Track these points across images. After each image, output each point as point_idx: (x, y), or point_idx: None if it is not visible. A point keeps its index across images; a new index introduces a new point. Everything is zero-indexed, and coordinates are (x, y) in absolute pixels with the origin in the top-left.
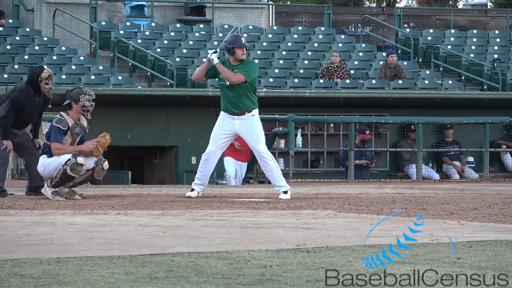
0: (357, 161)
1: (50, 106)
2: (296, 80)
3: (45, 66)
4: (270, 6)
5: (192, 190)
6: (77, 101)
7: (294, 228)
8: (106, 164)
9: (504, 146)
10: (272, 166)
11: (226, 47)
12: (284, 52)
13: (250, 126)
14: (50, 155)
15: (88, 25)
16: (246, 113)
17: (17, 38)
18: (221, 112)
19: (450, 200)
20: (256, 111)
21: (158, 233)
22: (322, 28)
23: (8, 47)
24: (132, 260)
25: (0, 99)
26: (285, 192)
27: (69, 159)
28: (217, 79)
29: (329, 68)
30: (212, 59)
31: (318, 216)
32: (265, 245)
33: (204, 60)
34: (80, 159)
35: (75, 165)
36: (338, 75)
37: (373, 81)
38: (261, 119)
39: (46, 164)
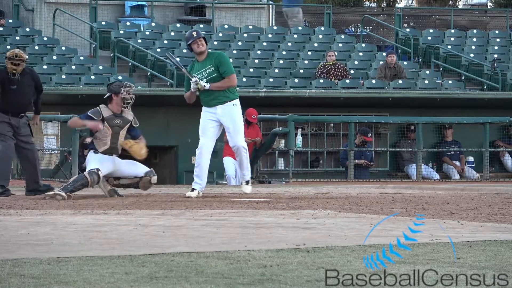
0: (357, 160)
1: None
2: (296, 80)
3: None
4: (270, 6)
5: (193, 190)
6: (117, 93)
7: (294, 228)
8: (154, 179)
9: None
10: (246, 156)
11: (187, 46)
12: (284, 52)
13: (232, 116)
14: (96, 150)
15: (88, 25)
16: (228, 101)
17: (17, 38)
18: (203, 107)
19: (450, 200)
20: (237, 101)
21: (158, 233)
22: (322, 28)
23: (8, 47)
24: (132, 260)
25: None
26: (247, 183)
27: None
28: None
29: (326, 66)
30: (204, 85)
31: (318, 216)
32: (265, 245)
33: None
34: (101, 173)
35: (93, 172)
36: (334, 74)
37: (373, 81)
38: (261, 119)
39: (87, 160)
